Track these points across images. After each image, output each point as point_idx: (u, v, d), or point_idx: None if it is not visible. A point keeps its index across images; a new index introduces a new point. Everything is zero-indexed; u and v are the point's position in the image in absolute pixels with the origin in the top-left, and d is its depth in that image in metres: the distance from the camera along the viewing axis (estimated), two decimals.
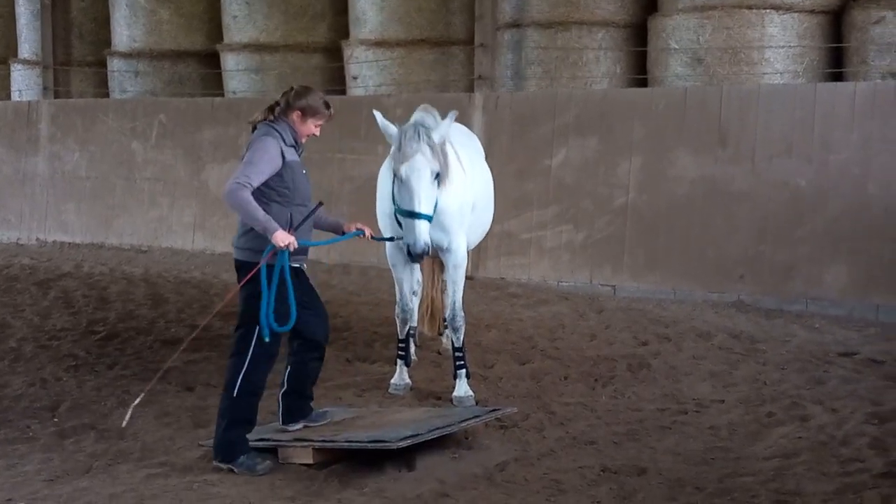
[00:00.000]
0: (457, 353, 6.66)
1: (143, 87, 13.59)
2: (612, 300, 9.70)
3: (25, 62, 14.73)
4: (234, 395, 5.42)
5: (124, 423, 5.60)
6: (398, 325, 6.95)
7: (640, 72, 10.98)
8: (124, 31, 13.57)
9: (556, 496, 5.12)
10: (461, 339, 6.67)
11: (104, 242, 13.04)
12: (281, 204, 5.46)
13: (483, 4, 10.97)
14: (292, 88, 5.64)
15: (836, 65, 10.25)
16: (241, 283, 5.46)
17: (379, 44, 11.80)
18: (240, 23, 12.72)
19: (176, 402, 6.74)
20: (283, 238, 5.34)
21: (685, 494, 5.10)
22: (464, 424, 5.72)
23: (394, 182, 6.17)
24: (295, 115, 5.53)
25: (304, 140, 5.63)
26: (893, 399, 6.52)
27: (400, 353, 6.94)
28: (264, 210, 5.38)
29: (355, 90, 12.04)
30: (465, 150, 7.00)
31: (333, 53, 12.57)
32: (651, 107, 9.99)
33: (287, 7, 12.59)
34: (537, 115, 10.49)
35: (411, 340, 7.24)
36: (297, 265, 5.54)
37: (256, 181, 5.35)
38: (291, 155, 5.51)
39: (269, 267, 5.39)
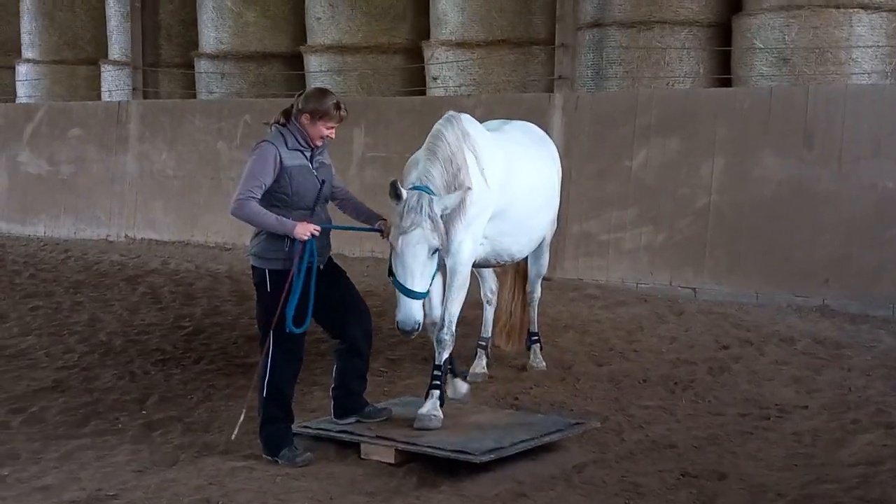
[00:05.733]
0: (435, 372, 5.98)
1: (228, 89, 13.86)
2: (693, 303, 9.61)
3: (115, 63, 15.12)
4: (265, 396, 5.57)
5: (233, 437, 5.69)
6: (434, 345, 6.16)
7: (723, 71, 10.87)
8: (211, 33, 13.85)
9: (634, 499, 5.11)
10: (443, 356, 6.00)
11: (190, 240, 13.33)
12: (280, 209, 5.50)
13: (564, 4, 10.96)
14: (303, 92, 5.68)
15: None
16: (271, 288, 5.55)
17: (459, 44, 11.86)
18: (323, 24, 12.89)
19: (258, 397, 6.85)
20: (302, 231, 5.43)
21: (766, 500, 5.05)
22: (546, 439, 5.70)
23: (391, 249, 5.69)
24: (304, 119, 5.52)
25: (319, 143, 5.56)
26: None
27: (449, 367, 6.36)
28: None
29: (435, 91, 12.11)
30: (507, 146, 6.53)
31: (414, 54, 12.67)
32: (735, 107, 9.87)
33: (369, 9, 12.72)
34: (618, 116, 10.44)
35: (482, 353, 7.19)
36: (307, 265, 5.50)
37: (258, 191, 5.42)
38: (294, 159, 5.48)
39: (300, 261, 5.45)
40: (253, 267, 5.64)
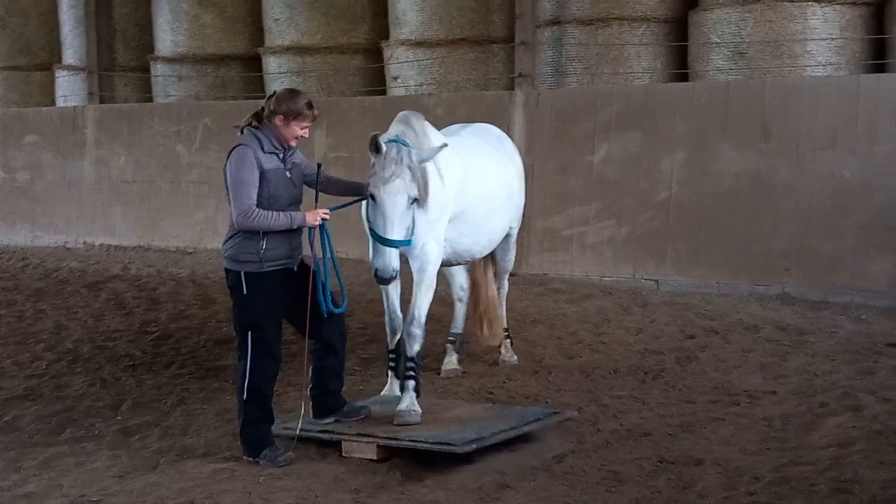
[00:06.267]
0: (408, 364, 6.06)
1: (186, 92, 13.77)
2: (656, 294, 9.74)
3: (70, 68, 14.95)
4: (244, 398, 5.59)
5: (298, 430, 5.68)
6: (388, 335, 6.37)
7: (681, 66, 11.02)
8: (167, 36, 13.75)
9: (615, 487, 5.20)
10: (415, 349, 6.07)
11: (150, 245, 13.23)
12: None
13: (523, 3, 11.04)
14: (275, 93, 5.66)
15: (878, 56, 10.24)
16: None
17: (419, 44, 11.90)
18: (281, 26, 12.86)
19: (234, 399, 6.82)
20: (312, 218, 5.54)
21: (744, 483, 5.16)
22: (526, 428, 5.79)
23: (367, 201, 5.83)
24: (278, 120, 5.53)
25: (292, 143, 5.59)
26: None
27: (390, 364, 6.44)
28: None
29: (396, 90, 12.15)
30: (463, 151, 6.61)
31: (374, 54, 12.70)
32: (693, 101, 10.03)
33: (328, 9, 12.71)
34: (578, 112, 10.55)
35: (452, 348, 7.25)
36: (281, 267, 5.57)
37: (255, 196, 5.45)
38: (270, 162, 5.51)
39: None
40: (227, 270, 5.65)
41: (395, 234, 5.67)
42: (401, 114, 6.19)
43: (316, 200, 5.74)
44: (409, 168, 5.67)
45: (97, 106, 14.19)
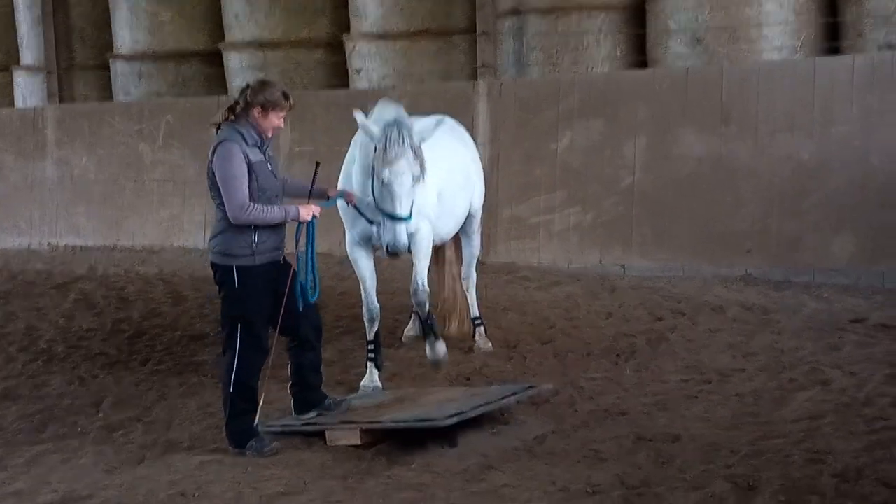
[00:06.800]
0: (427, 322, 6.87)
1: (147, 89, 13.71)
2: (623, 279, 9.90)
3: (28, 69, 14.83)
4: (230, 390, 5.65)
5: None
6: (366, 326, 6.86)
7: (640, 54, 11.18)
8: (126, 34, 13.68)
9: (597, 464, 5.33)
10: (426, 310, 6.81)
11: (116, 244, 13.16)
12: None
13: None
14: (248, 86, 5.71)
15: (832, 39, 10.46)
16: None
17: (381, 36, 11.96)
18: (241, 21, 12.85)
19: (215, 393, 6.86)
20: (305, 212, 5.66)
21: (721, 457, 5.31)
22: (504, 402, 5.93)
23: (372, 178, 6.20)
24: (256, 112, 5.60)
25: (270, 135, 5.70)
26: None
27: (369, 355, 6.82)
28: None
29: (359, 83, 12.20)
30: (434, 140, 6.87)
31: (336, 48, 12.72)
32: (654, 88, 10.20)
33: (287, 4, 12.71)
34: (541, 101, 10.68)
35: (416, 317, 7.48)
36: (270, 260, 5.66)
37: (246, 190, 5.51)
38: (254, 155, 5.60)
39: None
40: (215, 265, 5.70)
41: (405, 210, 6.10)
42: (383, 100, 6.49)
43: (309, 198, 5.90)
44: (412, 148, 6.08)
45: (57, 106, 14.09)
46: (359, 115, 6.25)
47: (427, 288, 6.81)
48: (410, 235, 6.47)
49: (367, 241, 6.71)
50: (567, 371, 7.12)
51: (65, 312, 9.84)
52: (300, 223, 5.69)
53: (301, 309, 5.71)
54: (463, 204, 7.48)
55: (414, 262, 6.75)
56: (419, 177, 6.17)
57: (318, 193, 6.14)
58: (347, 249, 6.92)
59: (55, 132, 13.76)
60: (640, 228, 10.15)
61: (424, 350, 7.46)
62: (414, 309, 7.77)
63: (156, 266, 11.94)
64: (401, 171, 6.05)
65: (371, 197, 6.26)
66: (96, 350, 8.34)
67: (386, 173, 6.04)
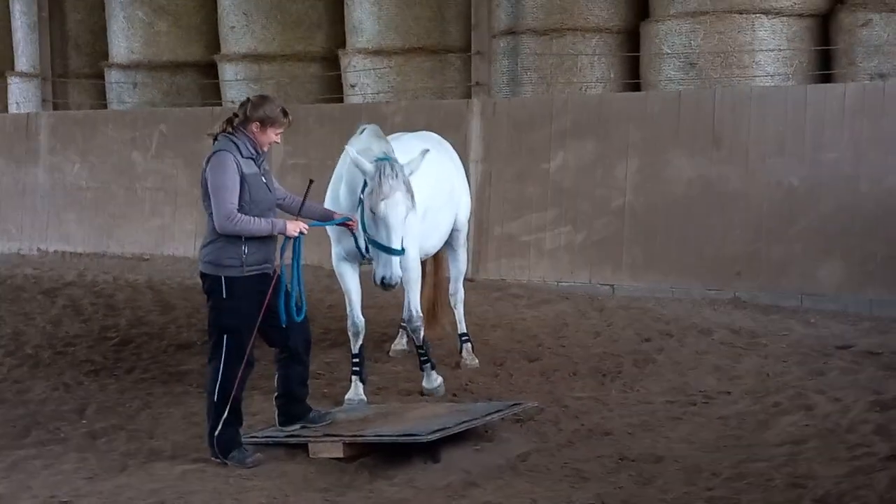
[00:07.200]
0: (420, 350, 7.00)
1: (141, 99, 13.73)
2: (612, 299, 9.93)
3: (23, 75, 14.83)
4: (215, 399, 5.66)
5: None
6: (350, 339, 6.94)
7: (633, 76, 11.24)
8: (122, 43, 13.70)
9: (579, 483, 5.34)
10: (420, 336, 6.94)
11: (106, 252, 13.16)
12: None
13: (479, 12, 11.20)
14: (249, 100, 5.78)
15: (824, 67, 10.53)
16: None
17: (376, 52, 12.00)
18: (237, 33, 12.88)
19: (199, 402, 6.85)
20: (293, 228, 5.66)
21: (703, 479, 5.32)
22: (488, 418, 5.94)
23: (362, 212, 6.25)
24: (254, 126, 5.66)
25: (265, 149, 5.76)
26: (894, 388, 6.76)
27: (354, 368, 6.88)
28: None
29: (353, 98, 12.24)
30: (410, 153, 6.86)
31: (331, 62, 12.77)
32: (646, 110, 10.25)
33: (284, 17, 12.75)
34: (534, 121, 10.72)
35: (403, 332, 7.55)
36: (259, 272, 5.66)
37: (235, 201, 5.54)
38: (249, 167, 5.64)
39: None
40: (204, 274, 5.71)
41: (399, 243, 6.17)
42: (367, 128, 6.59)
43: (299, 213, 5.95)
44: (404, 182, 6.20)
45: (51, 112, 14.10)
46: (351, 151, 6.31)
47: (421, 314, 6.96)
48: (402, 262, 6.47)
49: (353, 257, 6.78)
50: (553, 389, 7.13)
51: (52, 318, 9.83)
52: (287, 238, 5.69)
53: (284, 324, 5.70)
54: (447, 219, 7.56)
55: (406, 290, 6.82)
56: (411, 209, 6.27)
57: (324, 216, 6.20)
58: (333, 263, 6.97)
59: (48, 138, 13.77)
60: (631, 249, 10.18)
61: (411, 364, 7.55)
62: (402, 324, 7.89)
63: (145, 274, 11.95)
64: (396, 204, 6.14)
65: (364, 231, 6.31)
66: (82, 357, 8.33)
67: (382, 207, 6.13)
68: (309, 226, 5.82)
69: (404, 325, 7.74)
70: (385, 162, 6.19)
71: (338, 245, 6.84)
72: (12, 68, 15.12)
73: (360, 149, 6.39)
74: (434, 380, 6.98)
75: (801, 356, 7.74)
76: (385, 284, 6.19)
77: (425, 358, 6.99)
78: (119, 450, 6.00)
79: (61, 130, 13.76)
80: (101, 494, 5.19)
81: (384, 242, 6.16)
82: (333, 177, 6.93)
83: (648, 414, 6.54)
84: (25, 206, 13.89)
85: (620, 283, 10.14)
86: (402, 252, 6.20)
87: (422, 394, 6.99)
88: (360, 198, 6.30)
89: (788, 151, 9.54)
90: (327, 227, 6.78)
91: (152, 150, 13.00)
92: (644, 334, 8.53)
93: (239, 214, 5.53)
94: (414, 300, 6.85)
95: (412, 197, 6.24)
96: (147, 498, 5.14)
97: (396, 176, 6.16)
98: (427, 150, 6.56)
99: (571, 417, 6.49)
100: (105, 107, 14.20)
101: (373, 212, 6.17)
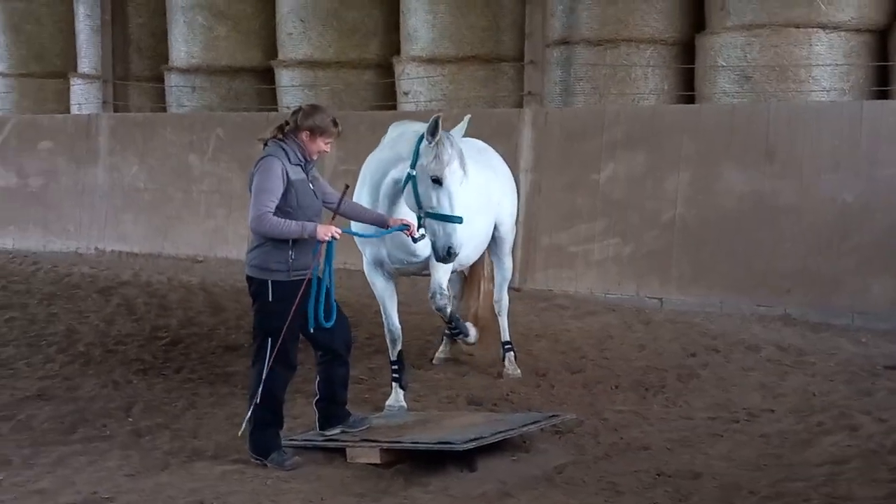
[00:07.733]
0: (451, 324, 7.39)
1: (199, 102, 13.95)
2: (659, 312, 9.87)
3: (85, 76, 15.15)
4: (258, 401, 5.72)
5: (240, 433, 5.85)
6: (388, 346, 6.96)
7: (687, 89, 11.18)
8: (182, 48, 13.94)
9: (613, 497, 5.32)
10: (447, 314, 7.05)
11: (161, 252, 13.39)
12: None
13: (533, 22, 11.22)
14: (300, 108, 5.83)
15: (882, 83, 10.39)
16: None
17: (430, 60, 12.07)
18: (295, 40, 13.04)
19: (243, 404, 6.94)
20: (324, 232, 5.65)
21: (740, 498, 5.28)
22: (525, 429, 5.95)
23: (416, 185, 6.15)
24: (304, 135, 5.72)
25: (314, 157, 5.80)
26: None
27: (394, 375, 6.90)
28: None
29: (406, 106, 12.32)
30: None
31: (385, 70, 12.87)
32: (699, 123, 10.18)
33: (340, 25, 12.88)
34: (586, 131, 10.71)
35: (447, 340, 7.70)
36: (303, 276, 5.70)
37: (273, 205, 5.59)
38: (296, 174, 5.69)
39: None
40: (250, 278, 5.79)
41: (460, 211, 6.14)
42: (400, 122, 6.91)
43: (333, 218, 5.92)
44: (459, 151, 6.22)
45: (111, 114, 14.38)
46: (412, 125, 6.56)
47: (447, 291, 6.87)
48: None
49: (381, 264, 6.81)
50: (594, 402, 7.11)
51: (106, 317, 10.02)
52: (319, 242, 5.71)
53: (312, 329, 5.75)
54: (483, 227, 7.44)
55: (432, 270, 6.77)
56: (464, 177, 6.28)
57: (379, 222, 6.19)
58: (365, 271, 7.00)
59: (108, 140, 14.05)
60: (680, 262, 10.11)
61: (452, 372, 7.60)
62: (445, 332, 7.91)
63: (198, 275, 12.13)
64: (455, 170, 6.15)
65: (418, 206, 6.19)
66: (132, 355, 8.48)
67: (446, 174, 6.08)
68: (345, 232, 5.82)
69: (447, 333, 7.78)
70: (441, 134, 6.20)
71: (365, 253, 6.88)
72: (75, 70, 15.44)
73: (401, 131, 6.56)
74: (471, 334, 7.50)
75: (849, 375, 7.64)
76: (447, 255, 6.07)
77: (457, 331, 7.37)
78: (162, 448, 6.11)
79: (121, 132, 14.03)
80: (141, 492, 5.29)
81: (446, 211, 6.09)
82: (370, 180, 6.74)
83: (689, 430, 6.50)
84: (84, 205, 14.18)
85: (668, 296, 10.08)
86: (461, 220, 6.14)
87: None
88: (408, 174, 6.19)
89: (843, 167, 9.42)
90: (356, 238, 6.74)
91: (209, 154, 13.21)
92: (690, 349, 8.47)
93: (269, 215, 5.58)
94: (440, 278, 6.77)
95: (465, 165, 6.26)
96: (186, 497, 5.23)
97: (452, 145, 6.19)
98: (469, 117, 6.69)
99: (611, 431, 6.47)
100: (164, 110, 14.46)
101: (435, 180, 6.08)
